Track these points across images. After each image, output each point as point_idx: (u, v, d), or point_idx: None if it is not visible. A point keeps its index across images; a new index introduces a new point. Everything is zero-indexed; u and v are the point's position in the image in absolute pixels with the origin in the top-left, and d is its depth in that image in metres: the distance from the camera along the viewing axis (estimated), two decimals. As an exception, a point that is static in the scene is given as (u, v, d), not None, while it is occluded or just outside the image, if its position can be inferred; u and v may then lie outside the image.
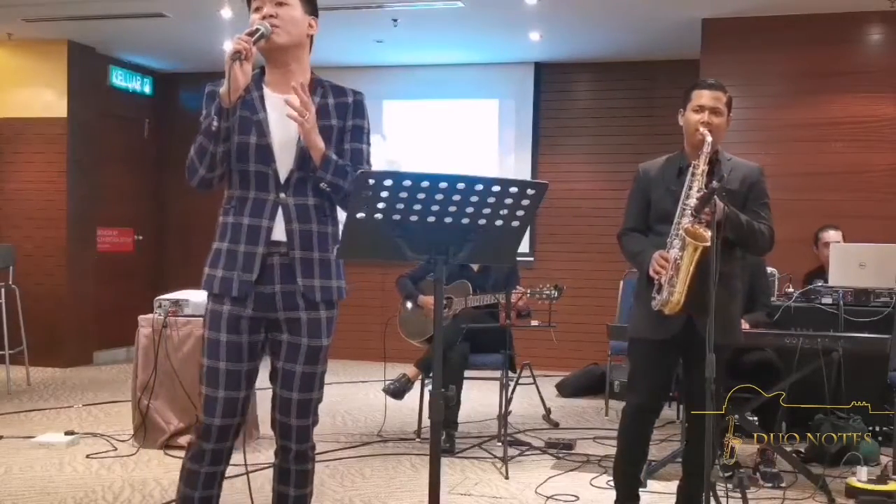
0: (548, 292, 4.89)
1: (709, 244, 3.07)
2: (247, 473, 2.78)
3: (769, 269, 5.23)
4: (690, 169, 3.26)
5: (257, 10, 2.58)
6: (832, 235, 5.68)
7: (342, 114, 2.65)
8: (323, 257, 2.60)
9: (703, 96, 3.33)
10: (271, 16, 2.54)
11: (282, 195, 2.56)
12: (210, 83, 2.62)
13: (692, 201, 3.18)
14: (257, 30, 2.50)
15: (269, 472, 4.17)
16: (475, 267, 5.27)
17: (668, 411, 5.86)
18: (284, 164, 2.56)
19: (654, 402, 3.46)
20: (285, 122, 2.54)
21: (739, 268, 3.51)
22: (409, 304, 5.40)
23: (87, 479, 4.24)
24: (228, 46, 2.47)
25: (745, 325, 4.55)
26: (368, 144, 2.71)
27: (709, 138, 3.24)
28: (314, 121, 2.50)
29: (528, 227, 2.55)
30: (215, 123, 2.47)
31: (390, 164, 8.51)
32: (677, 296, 3.16)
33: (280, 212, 2.56)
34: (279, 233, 2.55)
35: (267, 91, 2.62)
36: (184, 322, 4.84)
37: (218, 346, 2.56)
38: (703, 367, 3.15)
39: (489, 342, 5.07)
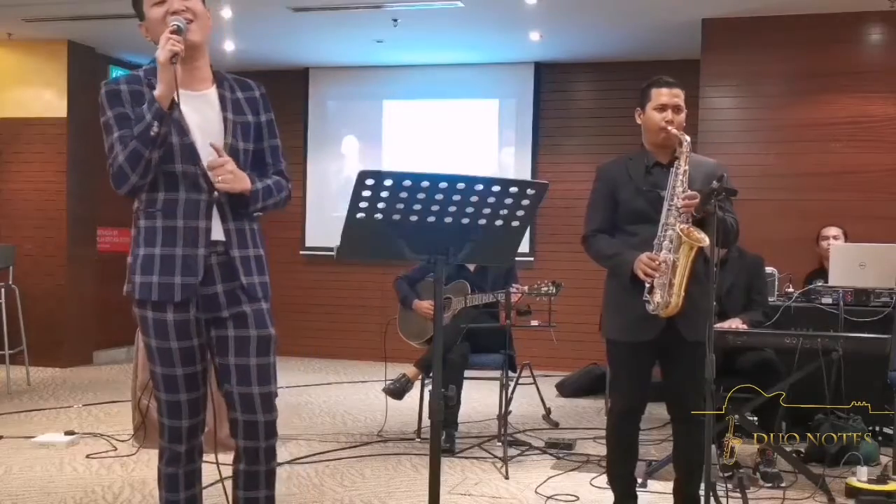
0: (546, 289, 4.89)
1: (706, 244, 3.09)
2: (221, 480, 2.78)
3: (769, 269, 5.23)
4: (673, 169, 3.26)
5: (159, 3, 2.47)
6: (832, 231, 5.77)
7: (254, 109, 2.61)
8: (257, 254, 2.59)
9: (663, 95, 3.33)
10: (183, 10, 2.45)
11: (216, 194, 2.49)
12: (106, 83, 2.51)
13: (678, 202, 3.19)
14: (178, 27, 2.40)
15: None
16: (471, 266, 5.27)
17: (668, 411, 5.86)
18: None
19: (639, 402, 3.47)
20: (202, 121, 2.49)
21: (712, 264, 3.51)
22: (400, 321, 5.40)
23: (87, 479, 4.24)
24: (161, 49, 2.36)
25: (742, 325, 4.55)
26: (279, 137, 2.70)
27: (687, 138, 3.25)
28: (234, 172, 2.44)
29: (528, 227, 2.54)
30: (156, 129, 2.37)
31: (390, 164, 8.51)
32: (676, 297, 3.16)
33: (216, 211, 2.51)
34: (217, 232, 2.51)
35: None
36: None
37: (170, 354, 2.53)
38: (687, 367, 3.22)
39: (489, 342, 5.06)
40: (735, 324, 4.54)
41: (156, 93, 2.39)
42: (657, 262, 3.18)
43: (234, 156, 2.51)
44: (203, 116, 2.50)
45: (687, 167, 3.23)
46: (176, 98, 2.38)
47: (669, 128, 3.27)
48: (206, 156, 2.49)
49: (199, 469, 2.69)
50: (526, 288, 4.93)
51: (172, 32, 2.38)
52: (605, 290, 3.51)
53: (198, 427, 2.63)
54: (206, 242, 2.50)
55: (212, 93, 2.57)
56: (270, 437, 2.59)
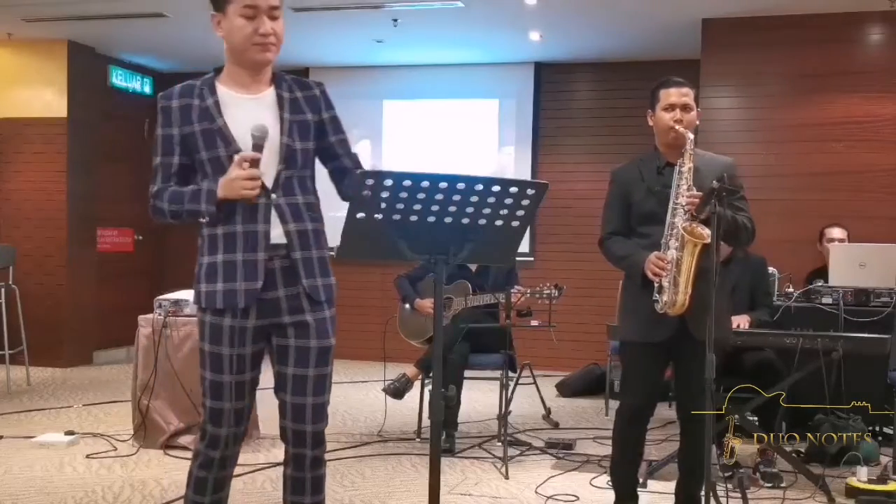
0: (548, 292, 4.89)
1: (708, 240, 3.09)
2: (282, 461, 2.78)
3: (770, 270, 5.24)
4: (676, 168, 3.26)
5: (250, 18, 2.46)
6: (837, 233, 5.75)
7: (315, 108, 2.61)
8: (320, 255, 2.58)
9: (671, 95, 3.34)
10: (272, 34, 2.47)
11: (273, 196, 2.49)
12: (161, 95, 2.56)
13: (682, 200, 3.19)
14: (258, 143, 2.42)
15: (270, 472, 4.18)
16: (473, 267, 5.27)
17: (669, 411, 5.86)
18: (268, 165, 2.48)
19: (648, 403, 3.47)
20: (257, 121, 2.46)
21: (720, 264, 3.50)
22: (406, 307, 5.40)
23: (87, 479, 4.24)
24: (239, 183, 2.40)
25: (746, 323, 4.55)
26: (345, 132, 2.70)
27: (690, 136, 3.25)
28: None
29: (528, 227, 2.54)
30: (205, 219, 2.47)
31: (390, 164, 8.51)
32: (682, 296, 3.16)
33: (274, 214, 2.49)
34: (277, 235, 2.50)
35: (228, 92, 2.53)
36: (184, 322, 4.84)
37: (221, 361, 2.51)
38: (698, 367, 3.16)
39: (489, 342, 5.06)
40: (741, 320, 4.54)
41: (218, 193, 2.43)
42: (665, 262, 3.18)
43: (290, 155, 2.51)
44: (257, 118, 2.48)
45: (691, 165, 3.23)
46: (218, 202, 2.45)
47: (677, 126, 3.28)
48: (262, 160, 2.47)
49: (229, 476, 2.67)
50: (528, 291, 4.93)
51: (255, 160, 2.40)
52: (621, 292, 3.52)
53: (237, 436, 2.60)
54: (266, 246, 2.48)
55: (269, 94, 2.56)
56: (317, 446, 2.60)
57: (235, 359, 2.51)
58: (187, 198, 2.48)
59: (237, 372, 2.53)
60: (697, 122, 3.38)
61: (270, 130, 2.48)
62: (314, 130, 2.59)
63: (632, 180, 3.41)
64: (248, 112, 2.49)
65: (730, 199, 3.32)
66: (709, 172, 3.27)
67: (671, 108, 3.32)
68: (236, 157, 2.42)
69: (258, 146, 2.43)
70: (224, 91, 2.54)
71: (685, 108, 3.32)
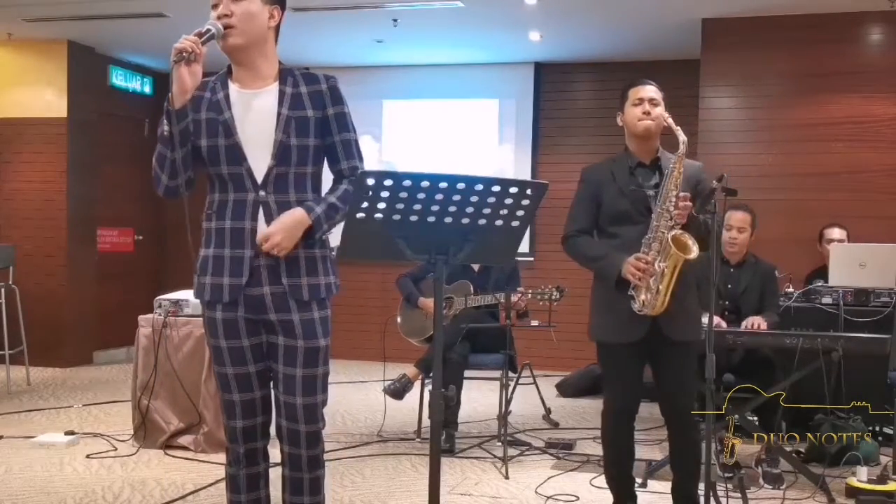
0: (549, 293, 4.89)
1: (692, 257, 3.11)
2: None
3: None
4: (667, 172, 3.27)
5: (214, 6, 2.49)
6: (836, 233, 5.74)
7: (318, 104, 2.57)
8: (308, 254, 2.54)
9: (638, 91, 3.38)
10: (225, 15, 2.45)
11: (261, 193, 2.49)
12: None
13: (669, 204, 3.19)
14: (208, 30, 2.42)
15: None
16: (475, 267, 5.27)
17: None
18: (260, 161, 2.49)
19: (631, 402, 3.49)
20: (256, 119, 2.49)
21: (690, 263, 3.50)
22: (408, 305, 5.39)
23: (87, 479, 4.24)
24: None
25: (763, 324, 4.54)
26: (355, 131, 2.63)
27: (683, 137, 3.23)
28: (284, 238, 2.43)
29: (528, 227, 2.54)
30: (166, 129, 2.40)
31: (390, 164, 8.51)
32: (661, 298, 3.20)
33: (261, 211, 2.49)
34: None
35: (235, 88, 2.54)
36: (184, 322, 4.84)
37: (221, 353, 2.55)
38: (675, 368, 3.28)
39: (489, 342, 5.07)
40: (757, 321, 4.55)
41: (172, 88, 2.41)
42: (645, 262, 3.18)
43: (285, 152, 2.49)
44: (256, 114, 2.49)
45: (682, 169, 3.23)
46: (178, 100, 2.38)
47: (652, 111, 3.30)
48: (254, 156, 2.48)
49: (262, 472, 2.67)
50: (530, 292, 4.93)
51: (198, 34, 2.40)
52: (593, 291, 3.52)
53: (255, 429, 2.61)
54: (253, 243, 2.49)
55: (271, 90, 2.56)
56: (313, 446, 2.59)
57: (233, 351, 2.54)
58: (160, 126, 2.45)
59: (237, 364, 2.55)
60: (666, 121, 3.35)
61: (264, 128, 2.49)
62: (316, 127, 2.55)
63: (603, 180, 3.44)
64: (248, 108, 2.50)
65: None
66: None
67: (639, 102, 3.35)
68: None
69: (210, 31, 2.43)
70: (232, 87, 2.55)
71: (652, 102, 3.35)
